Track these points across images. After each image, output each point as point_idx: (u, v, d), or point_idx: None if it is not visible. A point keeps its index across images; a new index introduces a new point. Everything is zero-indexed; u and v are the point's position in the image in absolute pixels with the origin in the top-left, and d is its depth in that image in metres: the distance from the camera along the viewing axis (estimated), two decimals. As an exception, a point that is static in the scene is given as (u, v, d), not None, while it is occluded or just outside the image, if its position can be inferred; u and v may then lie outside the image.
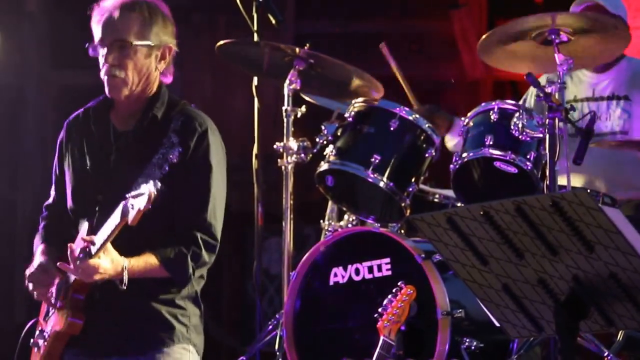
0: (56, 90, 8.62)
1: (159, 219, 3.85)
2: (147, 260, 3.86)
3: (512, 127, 4.63)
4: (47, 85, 8.61)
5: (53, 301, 3.97)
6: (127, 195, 3.63)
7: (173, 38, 4.05)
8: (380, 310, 4.38)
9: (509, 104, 4.72)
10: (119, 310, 3.94)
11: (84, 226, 3.96)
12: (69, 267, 3.79)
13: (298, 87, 5.08)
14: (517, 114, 4.63)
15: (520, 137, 4.61)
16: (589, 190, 3.72)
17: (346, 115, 4.98)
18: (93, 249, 3.73)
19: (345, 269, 4.76)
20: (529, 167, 4.62)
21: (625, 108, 5.24)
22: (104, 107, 4.10)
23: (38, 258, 4.05)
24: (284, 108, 5.09)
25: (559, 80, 4.59)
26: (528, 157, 4.63)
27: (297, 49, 5.04)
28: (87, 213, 4.01)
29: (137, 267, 3.84)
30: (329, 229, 5.14)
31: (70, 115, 4.23)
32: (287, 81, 5.06)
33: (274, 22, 5.34)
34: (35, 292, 4.01)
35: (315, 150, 5.03)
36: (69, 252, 3.79)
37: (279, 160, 5.07)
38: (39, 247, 4.12)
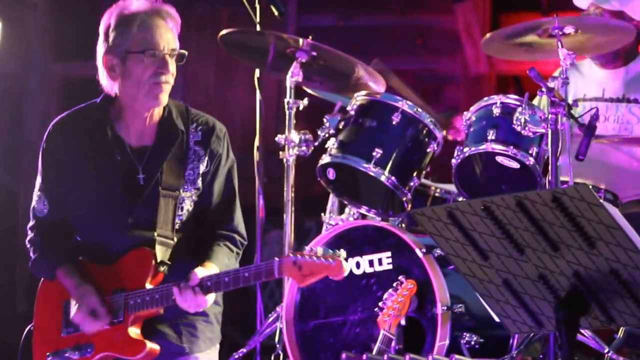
0: (59, 81, 8.63)
1: (196, 227, 3.94)
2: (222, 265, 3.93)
3: (514, 122, 4.63)
4: (49, 76, 8.62)
5: (107, 318, 3.89)
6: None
7: None
8: (380, 304, 4.38)
9: (511, 98, 4.71)
10: (178, 319, 3.95)
11: (144, 251, 3.90)
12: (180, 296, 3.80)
13: (300, 80, 5.07)
14: (519, 109, 4.63)
15: (522, 132, 4.61)
16: (590, 186, 3.72)
17: (348, 108, 4.97)
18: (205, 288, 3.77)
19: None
20: (531, 163, 4.62)
21: (633, 111, 5.23)
22: (104, 120, 4.00)
23: (77, 291, 3.90)
24: (286, 100, 5.09)
25: (562, 76, 4.59)
26: (530, 152, 4.63)
27: (300, 40, 5.03)
28: (114, 234, 3.94)
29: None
30: (330, 222, 5.14)
31: (72, 106, 4.16)
32: (290, 73, 5.05)
33: (276, 14, 5.33)
34: (88, 323, 3.89)
35: (317, 143, 5.02)
36: (178, 288, 3.77)
37: (280, 152, 5.06)
38: (63, 276, 3.96)
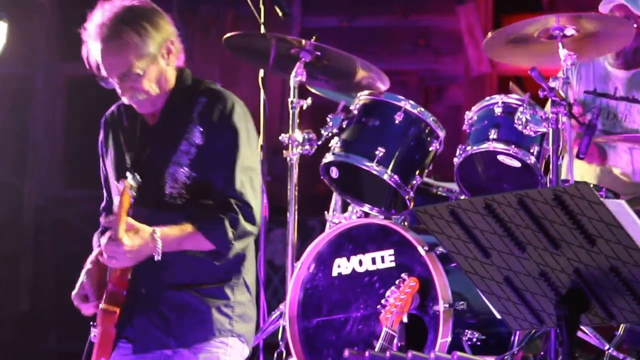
0: (64, 81, 8.65)
1: (197, 204, 3.89)
2: (182, 228, 3.82)
3: (516, 121, 4.65)
4: (55, 76, 8.64)
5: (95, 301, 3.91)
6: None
7: (168, 28, 4.01)
8: (383, 301, 4.40)
9: (513, 98, 4.73)
10: (163, 304, 3.92)
11: None
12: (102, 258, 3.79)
13: (304, 80, 5.10)
14: (521, 109, 4.65)
15: (524, 131, 4.63)
16: (591, 184, 3.75)
17: (352, 107, 5.00)
18: (111, 232, 3.74)
19: (348, 260, 4.78)
20: (532, 161, 4.65)
21: None
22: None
23: (85, 267, 3.97)
24: (289, 100, 5.11)
25: (563, 76, 4.62)
26: (531, 151, 4.65)
27: (303, 41, 5.06)
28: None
29: (171, 233, 3.79)
30: (334, 220, 5.17)
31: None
32: (293, 73, 5.08)
33: (280, 15, 5.36)
34: (81, 307, 3.94)
35: (320, 142, 5.05)
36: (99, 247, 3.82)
37: (284, 151, 5.09)
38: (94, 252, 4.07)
